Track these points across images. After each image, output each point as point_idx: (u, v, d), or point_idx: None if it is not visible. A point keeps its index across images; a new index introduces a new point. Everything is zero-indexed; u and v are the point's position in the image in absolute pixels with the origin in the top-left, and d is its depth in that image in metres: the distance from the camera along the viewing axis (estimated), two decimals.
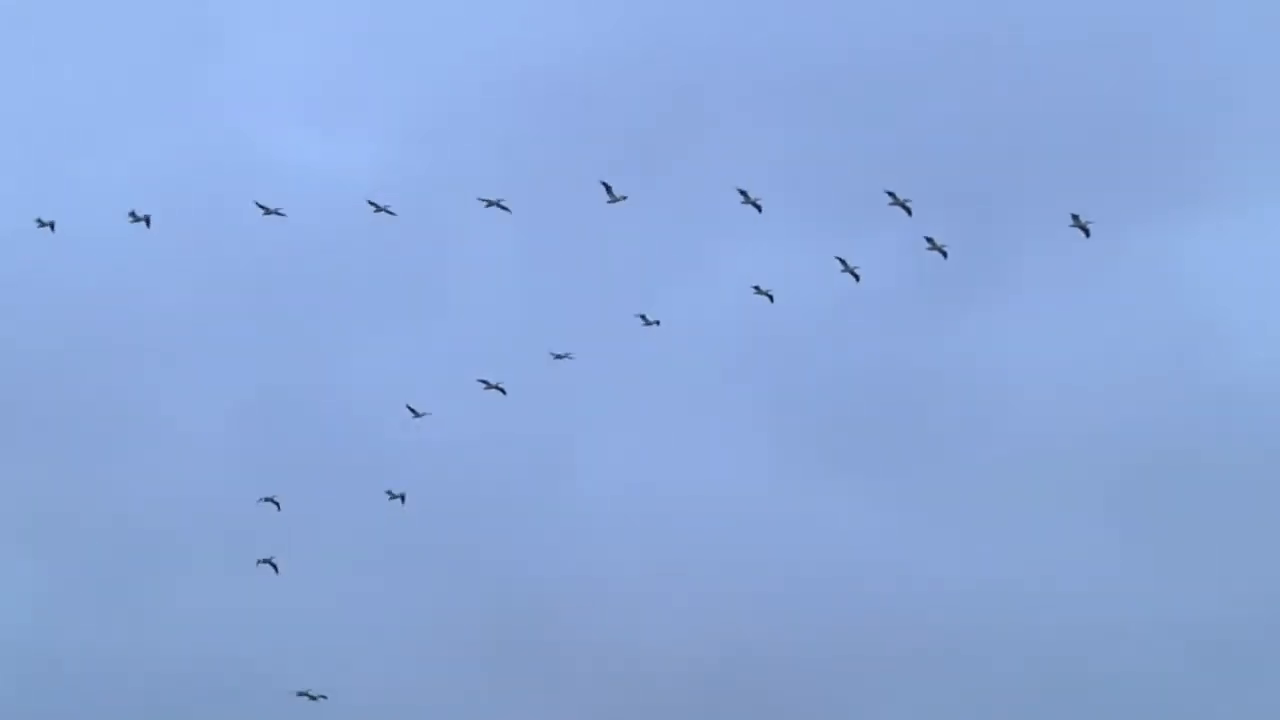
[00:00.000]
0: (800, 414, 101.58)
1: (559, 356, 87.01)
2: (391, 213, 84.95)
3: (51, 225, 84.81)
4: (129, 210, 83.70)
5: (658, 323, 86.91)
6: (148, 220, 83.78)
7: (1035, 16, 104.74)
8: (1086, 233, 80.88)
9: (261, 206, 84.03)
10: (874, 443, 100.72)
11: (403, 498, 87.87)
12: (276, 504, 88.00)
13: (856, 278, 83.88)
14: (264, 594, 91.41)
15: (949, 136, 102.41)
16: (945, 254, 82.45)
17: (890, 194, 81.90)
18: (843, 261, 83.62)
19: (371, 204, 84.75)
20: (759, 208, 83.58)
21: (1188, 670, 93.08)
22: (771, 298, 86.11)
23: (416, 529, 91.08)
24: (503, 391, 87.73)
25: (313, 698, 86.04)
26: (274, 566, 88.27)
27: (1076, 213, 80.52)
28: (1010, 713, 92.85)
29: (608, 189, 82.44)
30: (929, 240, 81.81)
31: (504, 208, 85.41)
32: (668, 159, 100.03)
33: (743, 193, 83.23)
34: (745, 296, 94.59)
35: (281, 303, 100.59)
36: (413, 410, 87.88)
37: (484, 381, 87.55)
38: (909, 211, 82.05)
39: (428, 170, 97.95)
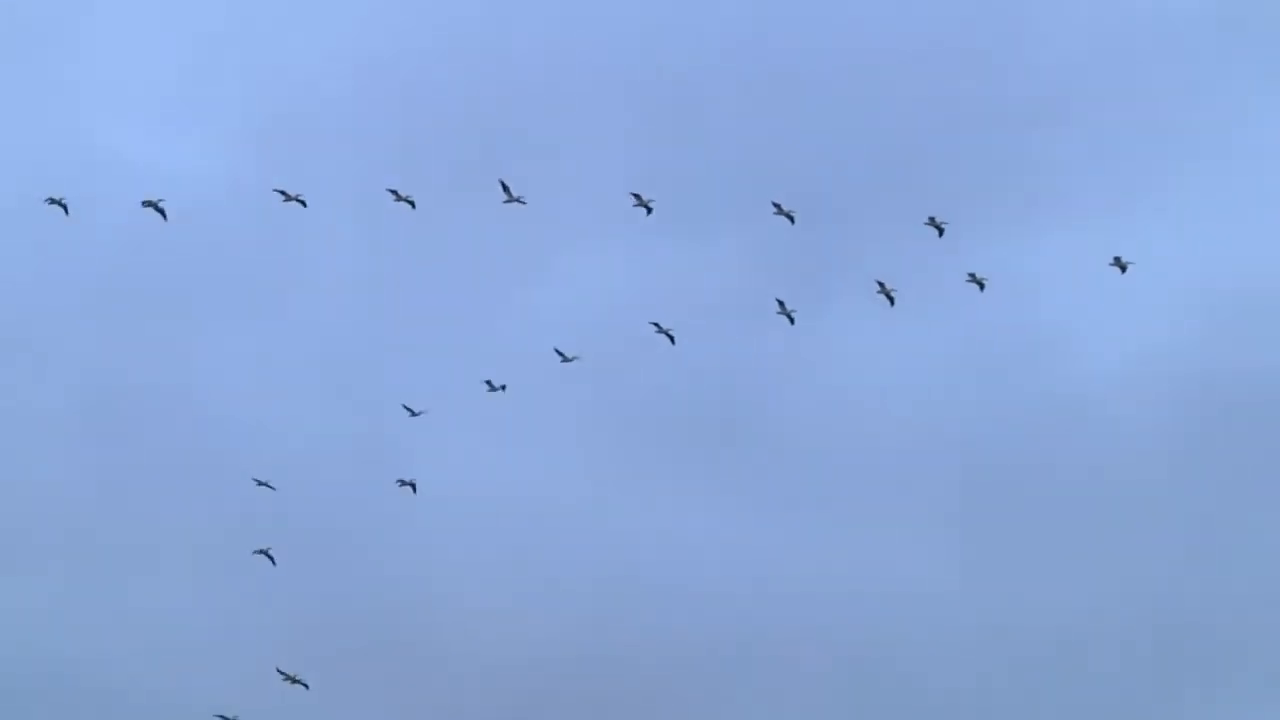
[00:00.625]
0: (641, 418, 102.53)
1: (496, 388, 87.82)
2: (303, 202, 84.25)
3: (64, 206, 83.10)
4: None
5: (503, 388, 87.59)
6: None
7: (874, 29, 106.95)
8: (940, 232, 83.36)
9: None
10: (712, 448, 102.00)
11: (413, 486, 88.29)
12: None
13: (791, 320, 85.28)
14: (100, 594, 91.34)
15: (790, 145, 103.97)
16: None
17: (776, 205, 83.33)
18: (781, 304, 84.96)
19: (280, 192, 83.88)
20: (649, 209, 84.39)
21: (1026, 677, 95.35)
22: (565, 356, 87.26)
23: (255, 530, 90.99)
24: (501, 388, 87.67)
25: (294, 681, 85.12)
26: (270, 558, 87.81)
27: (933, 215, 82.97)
28: (843, 717, 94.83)
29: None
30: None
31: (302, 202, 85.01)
32: (515, 164, 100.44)
33: (635, 196, 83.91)
34: (586, 301, 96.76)
35: (122, 301, 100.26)
36: (409, 409, 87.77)
37: (488, 383, 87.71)
38: (792, 220, 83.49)
39: (275, 170, 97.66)
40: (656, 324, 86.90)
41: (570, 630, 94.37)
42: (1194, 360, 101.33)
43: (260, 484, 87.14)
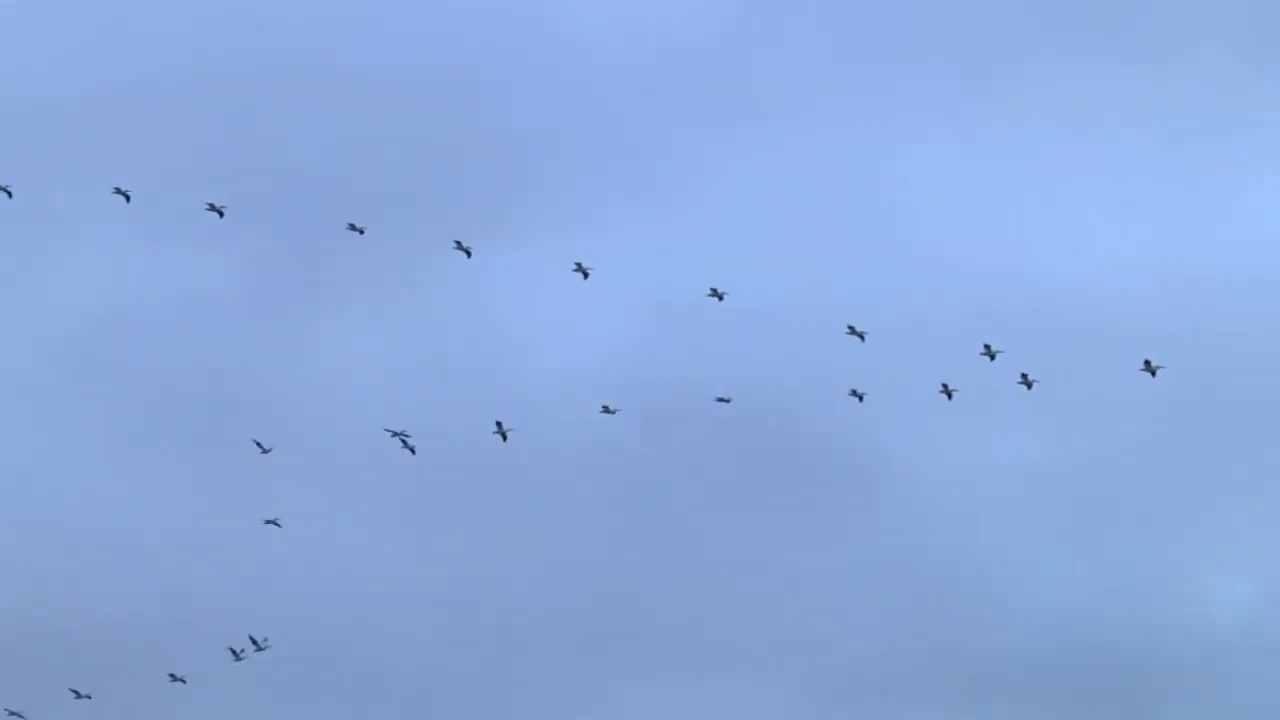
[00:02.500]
0: (127, 401, 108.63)
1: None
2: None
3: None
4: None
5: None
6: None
7: (373, 62, 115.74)
8: (586, 276, 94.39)
9: None
10: (196, 436, 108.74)
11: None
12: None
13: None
14: None
15: (293, 156, 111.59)
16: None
17: (354, 223, 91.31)
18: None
19: None
20: (127, 198, 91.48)
21: (471, 654, 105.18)
22: None
23: None
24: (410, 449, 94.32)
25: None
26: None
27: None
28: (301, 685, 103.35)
29: None
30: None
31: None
32: (20, 157, 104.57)
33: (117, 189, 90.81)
34: (86, 296, 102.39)
35: None
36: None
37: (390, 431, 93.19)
38: (361, 231, 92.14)
39: None
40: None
41: (51, 605, 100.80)
42: (642, 365, 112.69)
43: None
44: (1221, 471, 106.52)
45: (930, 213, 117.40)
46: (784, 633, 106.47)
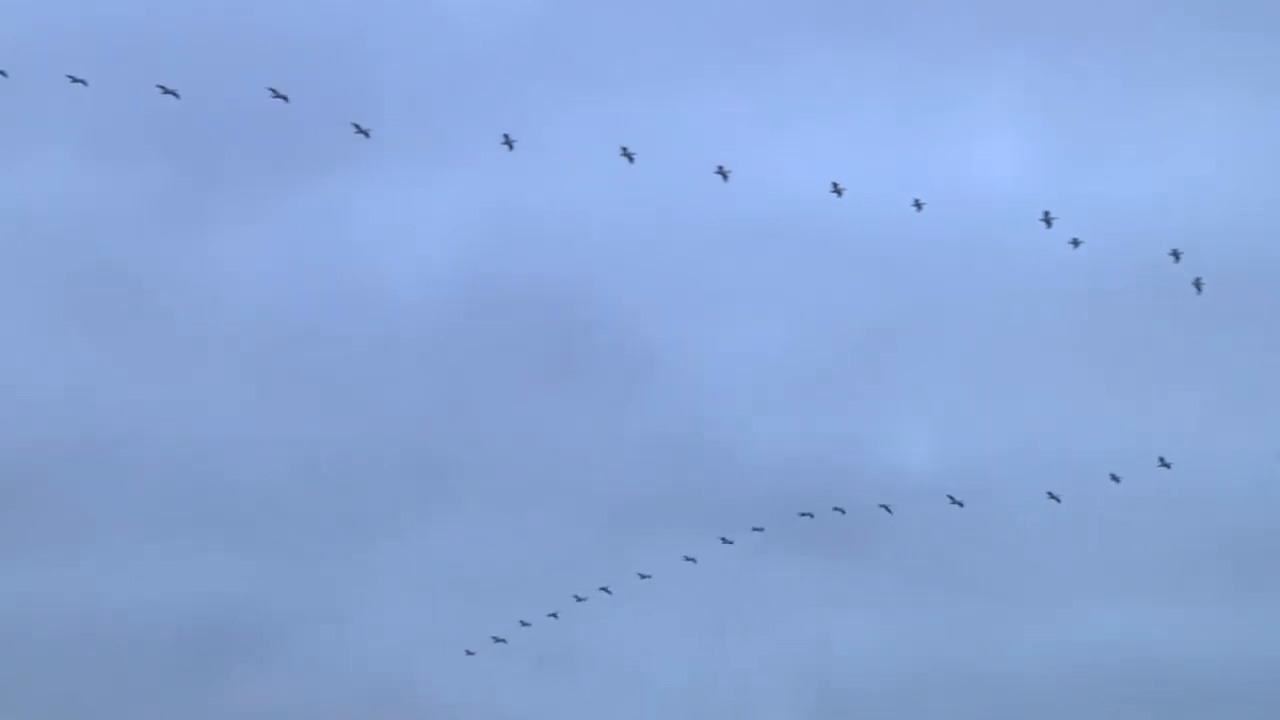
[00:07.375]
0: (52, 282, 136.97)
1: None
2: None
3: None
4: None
5: None
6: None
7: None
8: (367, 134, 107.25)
9: None
10: (114, 315, 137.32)
11: None
12: None
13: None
14: None
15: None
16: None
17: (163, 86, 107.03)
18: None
19: None
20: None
21: (306, 478, 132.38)
22: None
23: None
24: None
25: None
26: None
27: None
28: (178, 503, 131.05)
29: None
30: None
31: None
32: None
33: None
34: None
35: None
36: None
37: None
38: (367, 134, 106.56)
39: None
40: None
41: None
42: (475, 265, 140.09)
43: None
44: (908, 352, 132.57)
45: (715, 162, 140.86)
46: (570, 478, 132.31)
